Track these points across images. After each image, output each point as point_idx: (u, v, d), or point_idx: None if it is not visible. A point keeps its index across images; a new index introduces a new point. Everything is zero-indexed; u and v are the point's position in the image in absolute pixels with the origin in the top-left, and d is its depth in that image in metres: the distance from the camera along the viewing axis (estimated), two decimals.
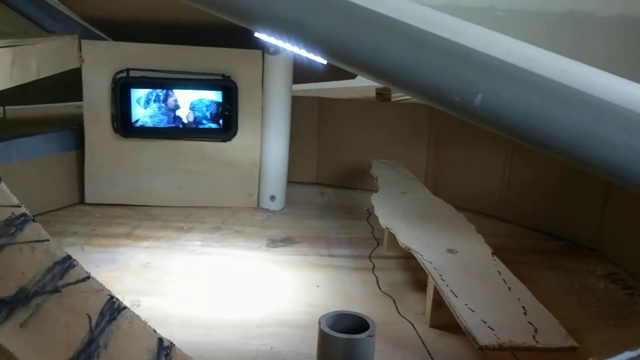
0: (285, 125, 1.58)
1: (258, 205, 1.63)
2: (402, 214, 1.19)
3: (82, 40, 1.45)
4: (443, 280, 0.89)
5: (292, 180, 1.72)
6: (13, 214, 0.60)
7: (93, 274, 1.09)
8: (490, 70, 0.53)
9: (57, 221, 1.44)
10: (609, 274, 1.31)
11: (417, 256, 0.99)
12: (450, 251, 1.02)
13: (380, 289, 1.18)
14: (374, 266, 1.28)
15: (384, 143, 1.80)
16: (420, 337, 1.00)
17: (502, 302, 0.86)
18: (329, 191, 1.82)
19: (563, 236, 1.49)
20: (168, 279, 1.17)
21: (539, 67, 0.51)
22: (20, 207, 0.61)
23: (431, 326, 1.02)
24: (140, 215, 1.51)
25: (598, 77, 0.51)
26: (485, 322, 0.78)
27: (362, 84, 1.91)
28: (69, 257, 0.59)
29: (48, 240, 0.59)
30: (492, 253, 1.03)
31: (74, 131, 1.55)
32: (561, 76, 0.51)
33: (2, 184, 0.63)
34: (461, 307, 0.82)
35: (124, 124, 1.51)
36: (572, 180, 1.46)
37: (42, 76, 1.19)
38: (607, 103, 0.51)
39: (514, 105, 0.52)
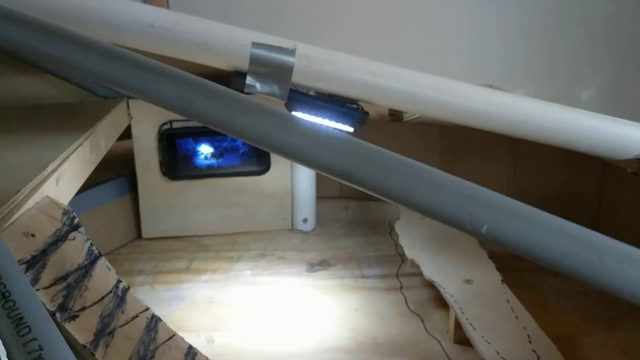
0: None
1: (292, 227, 1.84)
2: (423, 243, 1.40)
3: (130, 100, 1.64)
4: (463, 314, 1.11)
5: (318, 195, 1.92)
6: (147, 318, 0.81)
7: (167, 312, 1.38)
8: (491, 207, 0.73)
9: (123, 260, 1.66)
10: None
11: (440, 289, 1.20)
12: (467, 282, 1.23)
13: (409, 308, 1.40)
14: (401, 285, 1.50)
15: None
16: (446, 353, 1.22)
17: (510, 331, 1.07)
18: (352, 204, 2.02)
19: None
20: (230, 312, 1.40)
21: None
22: (148, 309, 0.82)
23: (455, 342, 1.24)
24: (192, 247, 1.73)
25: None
26: (498, 353, 1.00)
27: None
28: (190, 346, 0.80)
29: (174, 335, 0.80)
30: (502, 280, 1.24)
31: (125, 176, 1.75)
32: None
33: (131, 292, 0.84)
34: (479, 340, 1.03)
35: (170, 169, 1.71)
36: (567, 190, 1.66)
37: (107, 149, 1.39)
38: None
39: (510, 234, 0.72)
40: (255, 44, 1.12)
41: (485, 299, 1.18)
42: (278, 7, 2.48)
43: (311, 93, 1.23)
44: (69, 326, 0.66)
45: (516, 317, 1.12)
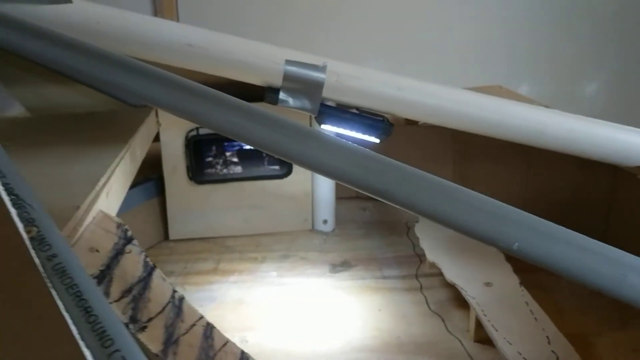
0: None
1: (312, 228, 1.91)
2: (443, 246, 1.46)
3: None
4: (485, 316, 1.18)
5: (335, 196, 1.99)
6: (203, 326, 0.88)
7: (201, 312, 1.44)
8: (522, 226, 0.79)
9: (153, 261, 1.72)
10: None
11: (462, 292, 1.27)
12: (487, 284, 1.30)
13: (429, 308, 1.47)
14: (421, 285, 1.57)
15: (414, 161, 2.04)
16: (467, 352, 1.29)
17: (529, 332, 1.14)
18: (369, 205, 2.09)
19: None
20: (259, 312, 1.47)
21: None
22: (202, 318, 0.89)
23: (475, 341, 1.31)
24: (218, 248, 1.80)
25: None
26: (520, 354, 1.07)
27: None
28: (243, 351, 0.87)
29: (228, 341, 0.86)
30: (520, 283, 1.31)
31: (153, 180, 1.82)
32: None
33: (186, 300, 0.90)
34: (502, 342, 1.10)
35: (196, 174, 1.78)
36: (578, 195, 1.72)
37: (142, 158, 1.46)
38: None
39: (539, 251, 0.79)
40: (288, 62, 1.18)
41: (504, 301, 1.25)
42: (280, 15, 2.54)
43: (338, 106, 1.29)
44: (141, 337, 0.73)
45: (535, 318, 1.19)
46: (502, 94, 1.95)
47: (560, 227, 0.81)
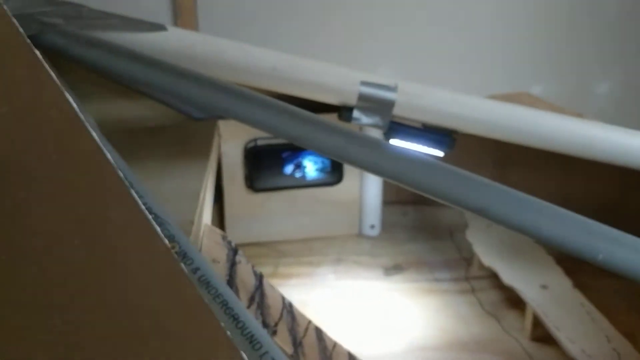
0: None
1: (360, 232, 2.01)
2: (496, 251, 1.56)
3: (219, 121, 1.80)
4: (547, 317, 1.28)
5: None
6: (314, 329, 0.97)
7: None
8: (606, 239, 0.89)
9: None
10: None
11: (522, 295, 1.37)
12: (543, 287, 1.40)
13: (483, 309, 1.57)
14: (472, 288, 1.67)
15: (454, 165, 2.14)
16: (525, 350, 1.39)
17: (588, 332, 1.24)
18: (409, 209, 2.19)
19: None
20: (323, 314, 1.56)
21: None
22: (311, 321, 0.98)
23: (531, 340, 1.41)
24: (273, 253, 1.90)
25: None
26: (584, 351, 1.17)
27: None
28: (350, 352, 0.96)
29: (336, 342, 0.96)
30: (573, 285, 1.41)
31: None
32: None
33: (294, 305, 1.00)
34: (565, 340, 1.20)
35: (253, 182, 1.88)
36: (614, 204, 1.81)
37: (215, 170, 1.56)
38: None
39: (622, 261, 0.88)
40: (363, 83, 1.28)
41: (561, 302, 1.35)
42: (296, 23, 2.64)
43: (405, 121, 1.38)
44: (276, 340, 0.82)
45: (592, 319, 1.29)
46: (531, 102, 2.05)
47: (636, 237, 0.91)
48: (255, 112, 1.01)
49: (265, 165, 1.90)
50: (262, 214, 1.93)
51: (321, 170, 1.95)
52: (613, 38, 2.85)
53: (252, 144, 1.84)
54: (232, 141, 1.83)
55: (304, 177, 1.92)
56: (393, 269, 1.79)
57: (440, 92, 1.35)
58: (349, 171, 1.93)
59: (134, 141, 1.59)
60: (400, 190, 2.32)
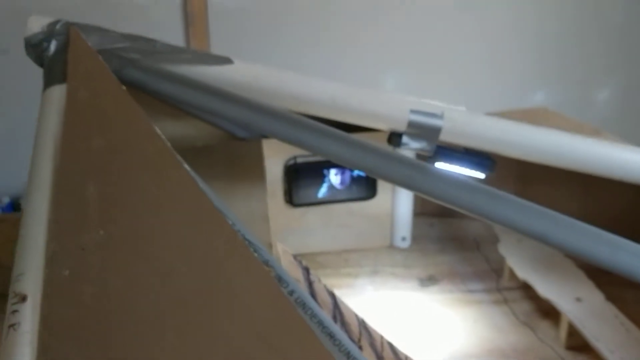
0: None
1: (392, 244, 2.11)
2: (529, 265, 1.66)
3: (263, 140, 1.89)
4: (585, 328, 1.37)
5: None
6: (387, 344, 1.06)
7: None
8: None
9: None
10: None
11: (558, 307, 1.47)
12: (578, 300, 1.50)
13: (517, 318, 1.66)
14: (505, 299, 1.76)
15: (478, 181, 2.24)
16: (562, 358, 1.49)
17: (625, 342, 1.34)
18: (435, 221, 2.28)
19: None
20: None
21: None
22: (383, 336, 1.07)
23: (566, 348, 1.51)
24: (311, 264, 1.97)
25: None
26: None
27: None
28: None
29: (407, 356, 1.05)
30: (605, 298, 1.51)
31: None
32: None
33: (367, 322, 1.09)
34: (605, 350, 1.30)
35: (293, 197, 1.97)
36: (635, 221, 1.91)
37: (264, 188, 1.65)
38: None
39: None
40: (413, 111, 1.37)
41: (596, 314, 1.45)
42: (303, 38, 2.73)
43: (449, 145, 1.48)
44: (364, 355, 0.92)
45: (626, 329, 1.38)
46: (550, 117, 2.15)
47: None
48: (303, 135, 1.09)
49: (303, 181, 1.99)
50: (300, 227, 2.02)
51: (356, 186, 2.04)
52: (619, 46, 2.97)
53: (291, 162, 1.93)
54: (272, 158, 1.92)
55: (339, 192, 2.01)
56: (428, 280, 1.88)
57: (482, 118, 1.44)
58: (382, 186, 2.03)
59: (187, 162, 1.67)
60: (425, 202, 2.41)
